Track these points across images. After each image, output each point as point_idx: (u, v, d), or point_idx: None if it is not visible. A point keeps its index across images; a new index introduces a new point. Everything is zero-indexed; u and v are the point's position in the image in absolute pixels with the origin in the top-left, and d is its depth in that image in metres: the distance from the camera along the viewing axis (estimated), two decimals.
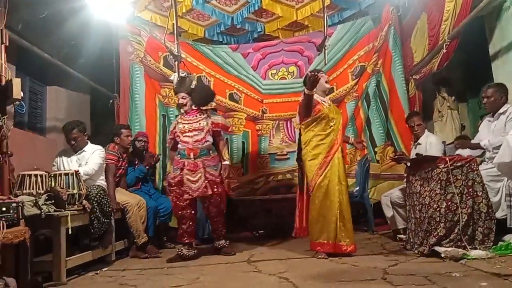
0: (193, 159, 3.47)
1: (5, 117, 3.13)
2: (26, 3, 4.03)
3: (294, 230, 3.52)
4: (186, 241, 3.54)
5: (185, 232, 3.54)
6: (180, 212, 3.52)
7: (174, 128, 3.67)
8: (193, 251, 3.53)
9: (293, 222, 3.58)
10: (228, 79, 5.47)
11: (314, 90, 3.20)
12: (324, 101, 3.41)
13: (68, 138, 3.65)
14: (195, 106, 3.65)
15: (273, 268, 2.90)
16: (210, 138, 3.58)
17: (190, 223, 3.55)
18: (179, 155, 3.56)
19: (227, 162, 3.71)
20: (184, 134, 3.56)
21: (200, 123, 3.57)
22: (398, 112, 5.02)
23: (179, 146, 3.58)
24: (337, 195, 3.22)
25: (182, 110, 3.72)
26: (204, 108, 3.71)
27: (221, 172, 3.58)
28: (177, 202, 3.51)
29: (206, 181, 3.44)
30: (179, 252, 3.47)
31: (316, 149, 3.32)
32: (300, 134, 3.51)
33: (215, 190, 3.48)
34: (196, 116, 3.62)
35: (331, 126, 3.34)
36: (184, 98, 3.65)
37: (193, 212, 3.55)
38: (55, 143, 4.55)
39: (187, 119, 3.63)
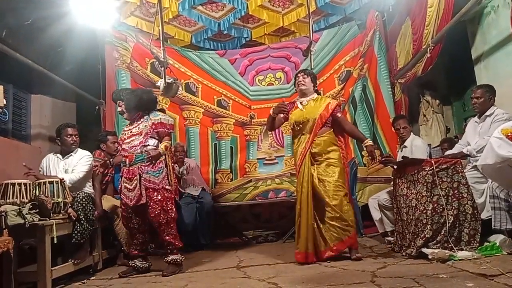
0: (128, 166, 3.24)
1: None
2: (11, 9, 3.98)
3: None
4: (137, 253, 3.30)
5: (134, 244, 3.31)
6: (125, 223, 3.33)
7: (120, 137, 3.47)
8: (147, 263, 3.34)
9: (282, 227, 3.61)
10: (215, 85, 5.47)
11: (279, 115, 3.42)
12: (301, 103, 3.41)
13: (68, 133, 3.59)
14: (131, 112, 3.37)
15: (262, 274, 2.89)
16: (151, 142, 3.26)
17: (139, 234, 3.28)
18: (121, 163, 3.36)
19: (159, 150, 3.20)
20: (124, 142, 3.33)
21: (139, 127, 3.30)
22: (384, 115, 5.08)
23: (121, 153, 3.39)
24: (299, 201, 3.21)
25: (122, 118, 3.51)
26: (148, 111, 3.38)
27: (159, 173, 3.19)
28: (123, 212, 3.31)
29: (142, 189, 3.15)
30: (133, 265, 3.28)
31: (294, 152, 3.42)
32: None
33: (154, 198, 3.15)
34: (136, 121, 3.35)
35: (299, 129, 3.32)
36: (120, 106, 3.41)
37: (140, 223, 3.26)
38: (40, 151, 4.48)
39: (128, 126, 3.41)
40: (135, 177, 3.19)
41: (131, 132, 3.34)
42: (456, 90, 4.95)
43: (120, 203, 3.38)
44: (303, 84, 3.39)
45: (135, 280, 3.10)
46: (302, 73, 3.45)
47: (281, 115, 3.47)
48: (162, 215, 3.17)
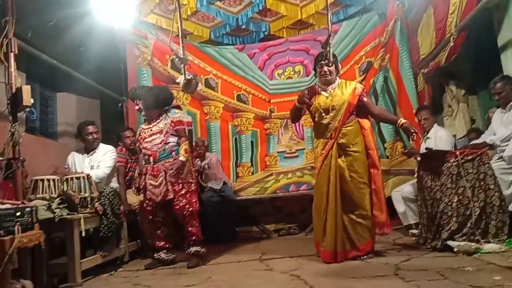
0: (152, 163, 3.35)
1: (17, 123, 3.18)
2: (35, 10, 4.09)
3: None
4: (162, 245, 3.40)
5: (159, 237, 3.41)
6: (151, 217, 3.42)
7: (139, 135, 3.54)
8: (172, 255, 3.43)
9: (304, 220, 3.51)
10: (235, 80, 5.49)
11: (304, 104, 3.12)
12: (325, 90, 3.15)
13: (88, 132, 3.71)
14: (149, 110, 3.46)
15: (284, 266, 2.91)
16: (172, 139, 3.38)
17: (163, 227, 3.41)
18: (143, 161, 3.47)
19: (181, 159, 3.30)
20: (145, 140, 3.42)
21: (159, 126, 3.41)
22: (407, 106, 4.97)
23: (143, 152, 3.47)
24: (325, 197, 2.97)
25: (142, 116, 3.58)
26: (165, 108, 3.50)
27: (179, 171, 3.28)
28: (146, 207, 3.41)
29: (168, 185, 3.28)
30: (158, 257, 3.38)
31: (316, 144, 3.19)
32: None
33: (179, 192, 3.29)
34: (155, 119, 3.45)
35: (326, 118, 3.07)
36: (138, 104, 3.50)
37: (165, 216, 3.40)
38: (67, 148, 4.60)
39: (147, 124, 3.49)
40: (160, 174, 3.30)
41: (151, 130, 3.43)
42: (482, 79, 4.79)
43: (144, 199, 3.46)
44: (328, 75, 3.13)
45: (160, 272, 3.19)
46: (327, 61, 3.13)
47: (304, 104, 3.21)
48: (187, 207, 3.30)
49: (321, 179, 3.04)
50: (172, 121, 3.41)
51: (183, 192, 3.30)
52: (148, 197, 3.37)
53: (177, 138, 3.41)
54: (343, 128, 3.04)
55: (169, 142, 3.37)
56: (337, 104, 3.06)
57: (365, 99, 3.15)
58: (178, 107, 3.70)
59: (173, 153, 3.36)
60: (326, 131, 3.08)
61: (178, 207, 3.29)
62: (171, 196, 3.28)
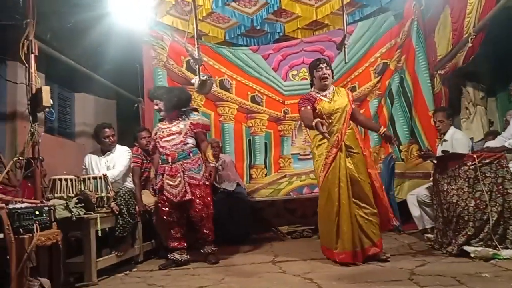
0: (171, 163, 3.39)
1: (36, 124, 3.26)
2: (54, 12, 4.18)
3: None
4: (176, 246, 3.46)
5: (173, 237, 3.46)
6: (165, 218, 3.45)
7: (155, 134, 3.57)
8: (186, 256, 3.47)
9: (315, 222, 3.51)
10: (249, 82, 5.49)
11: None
12: (324, 96, 3.21)
13: (105, 135, 3.78)
14: (169, 111, 3.50)
15: (297, 269, 2.91)
16: (190, 140, 3.46)
17: (178, 228, 3.45)
18: (160, 161, 3.49)
19: (212, 165, 3.47)
20: (163, 140, 3.45)
21: (178, 126, 3.46)
22: (422, 109, 4.91)
23: (160, 151, 3.49)
24: (336, 198, 2.99)
25: (159, 116, 3.62)
26: (183, 110, 3.57)
27: (205, 174, 3.43)
28: (162, 207, 3.45)
29: (186, 185, 3.34)
30: (172, 258, 3.43)
31: (318, 148, 3.18)
32: None
33: (197, 194, 3.36)
34: (173, 120, 3.51)
35: (331, 121, 3.12)
36: (157, 104, 3.51)
37: (179, 217, 3.45)
38: (84, 148, 4.70)
39: (165, 124, 3.53)
40: (178, 174, 3.36)
41: (170, 130, 3.47)
42: (501, 80, 4.69)
43: (159, 199, 3.50)
44: (328, 78, 3.20)
45: (174, 272, 3.21)
46: (325, 65, 3.22)
47: (308, 107, 3.19)
48: (204, 209, 3.39)
49: (330, 181, 3.06)
50: (191, 123, 3.48)
51: (200, 194, 3.38)
52: (166, 197, 3.40)
53: (194, 140, 3.49)
54: (346, 131, 3.14)
55: (188, 143, 3.45)
56: (340, 108, 3.16)
57: (353, 105, 3.30)
58: (195, 109, 3.78)
59: (191, 154, 3.44)
60: (331, 134, 3.10)
61: (197, 209, 3.37)
62: (189, 197, 3.34)
